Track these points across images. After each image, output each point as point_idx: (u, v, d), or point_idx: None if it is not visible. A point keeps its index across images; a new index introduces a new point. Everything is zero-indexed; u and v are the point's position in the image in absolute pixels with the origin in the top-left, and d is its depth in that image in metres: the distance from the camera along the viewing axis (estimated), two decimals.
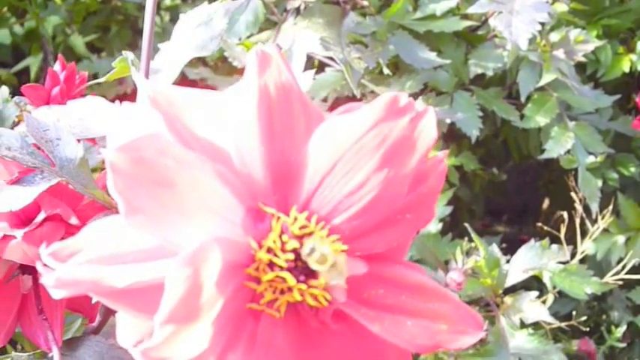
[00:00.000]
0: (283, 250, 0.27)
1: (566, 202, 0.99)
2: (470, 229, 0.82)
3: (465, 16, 1.00)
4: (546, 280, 0.84)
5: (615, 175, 1.07)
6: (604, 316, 1.15)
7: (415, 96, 0.97)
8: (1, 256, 0.40)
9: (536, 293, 0.81)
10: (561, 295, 0.90)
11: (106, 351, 0.42)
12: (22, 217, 0.42)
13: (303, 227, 0.28)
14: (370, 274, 0.29)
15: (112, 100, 0.47)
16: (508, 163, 1.36)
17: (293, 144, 0.28)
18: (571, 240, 0.90)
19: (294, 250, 0.28)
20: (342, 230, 0.28)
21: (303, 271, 0.28)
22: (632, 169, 1.10)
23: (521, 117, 1.03)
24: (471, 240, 0.83)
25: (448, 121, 0.98)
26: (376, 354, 0.30)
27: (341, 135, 0.28)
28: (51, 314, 0.43)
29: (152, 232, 0.26)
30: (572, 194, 0.97)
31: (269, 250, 0.27)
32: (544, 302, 0.84)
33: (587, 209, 0.97)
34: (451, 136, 1.06)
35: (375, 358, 0.30)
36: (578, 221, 0.91)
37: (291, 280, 0.27)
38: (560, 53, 0.98)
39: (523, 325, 0.80)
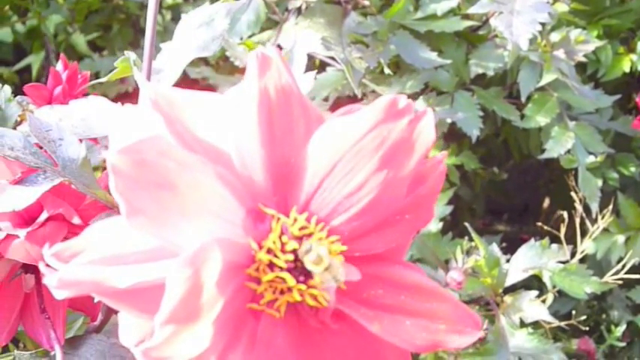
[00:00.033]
0: (283, 251, 0.28)
1: (566, 201, 1.00)
2: (470, 229, 0.82)
3: (466, 16, 1.00)
4: (546, 279, 0.84)
5: (615, 175, 1.07)
6: (604, 316, 1.15)
7: (416, 96, 0.98)
8: (4, 255, 0.40)
9: (536, 292, 0.81)
10: (561, 294, 0.90)
11: (108, 350, 0.42)
12: (25, 217, 0.42)
13: (302, 228, 0.28)
14: (369, 274, 0.29)
15: (114, 99, 0.48)
16: (508, 162, 1.37)
17: (293, 146, 0.29)
18: (571, 239, 0.90)
19: (294, 251, 0.28)
20: (342, 231, 0.29)
21: (302, 271, 0.28)
22: (632, 169, 1.10)
23: (522, 117, 1.03)
24: (471, 239, 0.83)
25: (449, 120, 0.98)
26: (376, 354, 0.30)
27: (340, 137, 0.28)
28: (53, 313, 0.44)
29: (153, 233, 0.26)
30: (573, 194, 0.97)
31: (269, 251, 0.28)
32: (544, 301, 0.84)
33: (587, 209, 0.98)
34: (452, 136, 1.06)
35: (375, 358, 0.30)
36: (578, 221, 0.92)
37: (290, 280, 0.28)
38: (560, 53, 0.98)
39: (523, 324, 0.80)
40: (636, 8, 1.14)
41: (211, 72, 1.06)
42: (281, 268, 0.28)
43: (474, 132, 0.97)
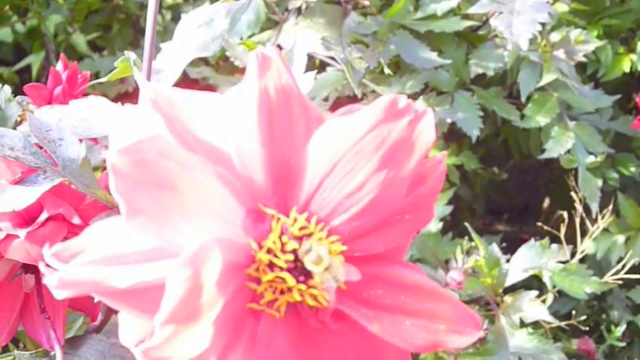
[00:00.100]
0: (283, 251, 0.28)
1: (566, 201, 1.00)
2: (470, 229, 0.82)
3: (466, 16, 1.00)
4: (546, 279, 0.84)
5: (615, 175, 1.07)
6: (604, 316, 1.15)
7: (416, 96, 0.98)
8: (4, 255, 0.40)
9: (536, 292, 0.81)
10: (561, 294, 0.90)
11: (108, 350, 0.42)
12: (25, 217, 0.42)
13: (302, 228, 0.28)
14: (369, 274, 0.29)
15: (114, 99, 0.48)
16: (508, 162, 1.37)
17: (293, 146, 0.29)
18: (571, 239, 0.90)
19: (294, 251, 0.28)
20: (342, 231, 0.29)
21: (302, 271, 0.28)
22: (632, 169, 1.10)
23: (522, 117, 1.03)
24: (471, 239, 0.83)
25: (449, 120, 0.98)
26: (375, 353, 0.30)
27: (340, 137, 0.28)
28: (53, 313, 0.44)
29: (153, 233, 0.26)
30: (573, 194, 0.97)
31: (269, 251, 0.28)
32: (544, 301, 0.84)
33: (587, 209, 0.98)
34: (452, 136, 1.06)
35: (375, 358, 0.30)
36: (578, 221, 0.92)
37: (290, 280, 0.28)
38: (560, 53, 0.98)
39: (523, 324, 0.80)
40: (636, 8, 1.14)
41: (211, 72, 1.06)
42: (281, 268, 0.28)
43: (474, 132, 0.97)
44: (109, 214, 0.42)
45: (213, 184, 0.26)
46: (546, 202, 1.40)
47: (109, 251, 0.26)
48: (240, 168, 0.28)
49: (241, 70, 0.91)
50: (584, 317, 0.91)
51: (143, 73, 0.48)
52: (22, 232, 0.40)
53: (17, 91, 0.62)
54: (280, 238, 0.28)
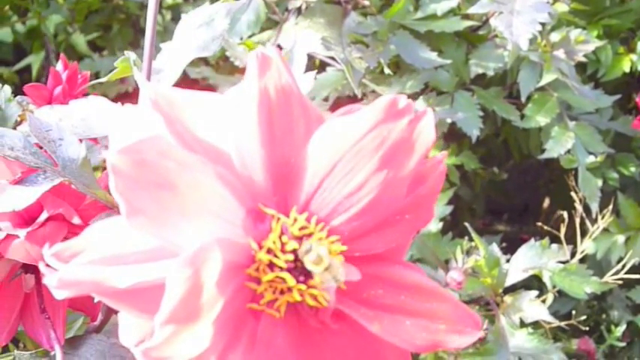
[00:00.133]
0: (283, 251, 0.28)
1: (566, 201, 1.00)
2: (470, 229, 0.82)
3: (466, 16, 1.00)
4: (546, 279, 0.84)
5: (615, 175, 1.07)
6: (604, 316, 1.15)
7: (416, 96, 0.98)
8: (4, 255, 0.41)
9: (536, 292, 0.81)
10: (561, 294, 0.90)
11: (108, 349, 0.42)
12: (25, 217, 0.42)
13: (302, 228, 0.28)
14: (369, 274, 0.29)
15: (114, 99, 0.48)
16: (508, 162, 1.37)
17: (293, 146, 0.29)
18: (571, 239, 0.90)
19: (294, 251, 0.28)
20: (342, 231, 0.29)
21: (302, 271, 0.28)
22: (632, 169, 1.10)
23: (522, 117, 1.03)
24: (471, 239, 0.83)
25: (449, 120, 0.98)
26: (376, 353, 0.30)
27: (340, 137, 0.28)
28: (53, 313, 0.44)
29: (153, 234, 0.26)
30: (573, 194, 0.97)
31: (269, 251, 0.28)
32: (544, 301, 0.84)
33: (587, 209, 0.98)
34: (452, 136, 1.06)
35: (375, 358, 0.30)
36: (578, 221, 0.92)
37: (290, 280, 0.28)
38: (560, 53, 0.98)
39: (523, 324, 0.80)
40: (636, 8, 1.14)
41: (211, 72, 1.06)
42: (281, 268, 0.28)
43: (474, 132, 0.97)
44: (109, 214, 0.42)
45: (213, 184, 0.26)
46: (546, 202, 1.40)
47: (109, 251, 0.26)
48: (240, 168, 0.28)
49: (241, 70, 0.91)
50: (584, 317, 0.91)
51: (143, 73, 0.48)
52: (22, 232, 0.40)
53: (17, 90, 0.62)
54: (280, 238, 0.28)
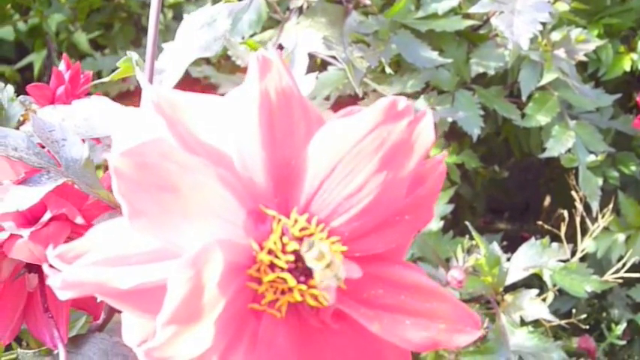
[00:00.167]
0: (284, 252, 0.28)
1: (567, 200, 1.00)
2: (471, 227, 0.82)
3: (467, 16, 1.00)
4: (547, 278, 0.84)
5: (616, 174, 1.07)
6: (604, 314, 1.15)
7: (417, 95, 0.98)
8: (8, 254, 0.41)
9: (536, 291, 0.82)
10: (561, 293, 0.90)
11: (111, 348, 0.42)
12: (29, 217, 0.42)
13: (303, 229, 0.28)
14: (369, 274, 0.30)
15: (115, 98, 0.48)
16: (509, 161, 1.37)
17: (293, 148, 0.29)
18: (571, 238, 0.90)
19: (295, 252, 0.28)
20: (342, 232, 0.29)
21: (303, 272, 0.28)
22: (633, 168, 1.10)
23: (523, 116, 1.03)
24: (472, 238, 0.83)
25: (450, 119, 0.98)
26: (376, 353, 0.30)
27: (340, 138, 0.28)
28: (56, 312, 0.44)
29: (155, 235, 0.26)
30: (573, 192, 0.97)
31: (270, 252, 0.28)
32: (544, 300, 0.84)
33: (587, 207, 0.98)
34: (453, 135, 1.06)
35: (375, 357, 0.31)
36: (578, 219, 0.92)
37: (291, 280, 0.28)
38: (561, 52, 0.98)
39: (523, 322, 0.80)
40: (637, 7, 1.14)
41: (213, 71, 1.06)
42: (282, 269, 0.28)
43: (475, 131, 0.97)
44: (111, 214, 0.42)
45: (215, 185, 0.26)
46: (547, 201, 1.40)
47: (111, 252, 0.27)
48: (241, 170, 0.28)
49: (243, 69, 0.91)
50: (584, 316, 0.91)
51: (146, 72, 0.48)
52: (25, 232, 0.41)
53: (19, 89, 0.62)
54: (281, 239, 0.28)
